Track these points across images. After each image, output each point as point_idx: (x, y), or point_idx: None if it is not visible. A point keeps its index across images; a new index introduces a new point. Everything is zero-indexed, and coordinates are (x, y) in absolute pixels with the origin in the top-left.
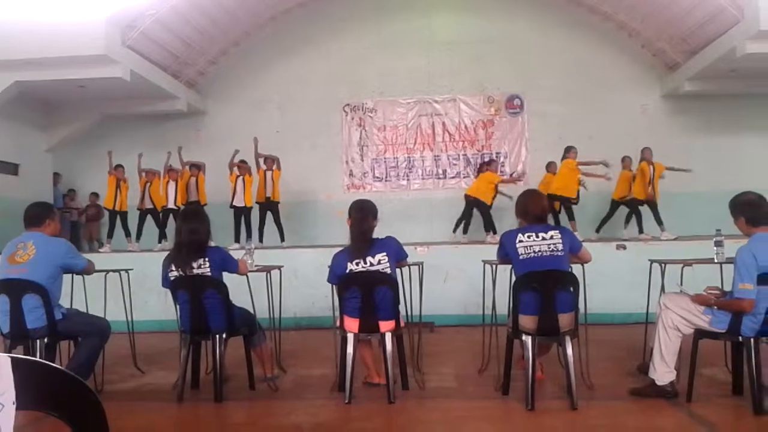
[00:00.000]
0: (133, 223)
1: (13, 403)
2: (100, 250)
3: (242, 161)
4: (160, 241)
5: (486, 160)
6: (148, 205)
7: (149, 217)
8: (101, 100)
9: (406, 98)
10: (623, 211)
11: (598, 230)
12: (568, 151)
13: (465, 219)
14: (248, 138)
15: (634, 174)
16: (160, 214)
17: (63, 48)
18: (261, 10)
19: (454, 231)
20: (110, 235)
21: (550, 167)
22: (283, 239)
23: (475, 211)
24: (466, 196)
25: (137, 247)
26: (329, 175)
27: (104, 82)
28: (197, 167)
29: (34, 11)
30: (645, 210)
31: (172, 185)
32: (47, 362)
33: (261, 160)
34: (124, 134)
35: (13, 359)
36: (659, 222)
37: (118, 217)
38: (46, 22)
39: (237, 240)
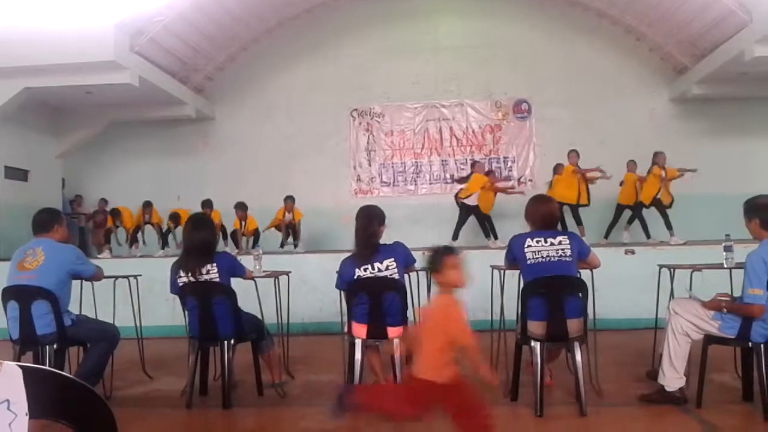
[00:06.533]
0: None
1: (26, 414)
2: (139, 255)
3: (239, 204)
4: (162, 248)
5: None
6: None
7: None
8: (110, 106)
9: (413, 103)
10: (628, 214)
11: (606, 236)
12: (569, 154)
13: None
14: (256, 143)
15: (640, 178)
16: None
17: (71, 54)
18: (268, 15)
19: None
20: (135, 240)
21: (557, 169)
22: (295, 245)
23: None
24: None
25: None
26: (337, 180)
27: (113, 88)
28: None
29: (42, 18)
30: (652, 214)
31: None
32: (56, 370)
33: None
34: (133, 140)
35: (23, 368)
36: (669, 227)
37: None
38: (55, 28)
39: (237, 246)
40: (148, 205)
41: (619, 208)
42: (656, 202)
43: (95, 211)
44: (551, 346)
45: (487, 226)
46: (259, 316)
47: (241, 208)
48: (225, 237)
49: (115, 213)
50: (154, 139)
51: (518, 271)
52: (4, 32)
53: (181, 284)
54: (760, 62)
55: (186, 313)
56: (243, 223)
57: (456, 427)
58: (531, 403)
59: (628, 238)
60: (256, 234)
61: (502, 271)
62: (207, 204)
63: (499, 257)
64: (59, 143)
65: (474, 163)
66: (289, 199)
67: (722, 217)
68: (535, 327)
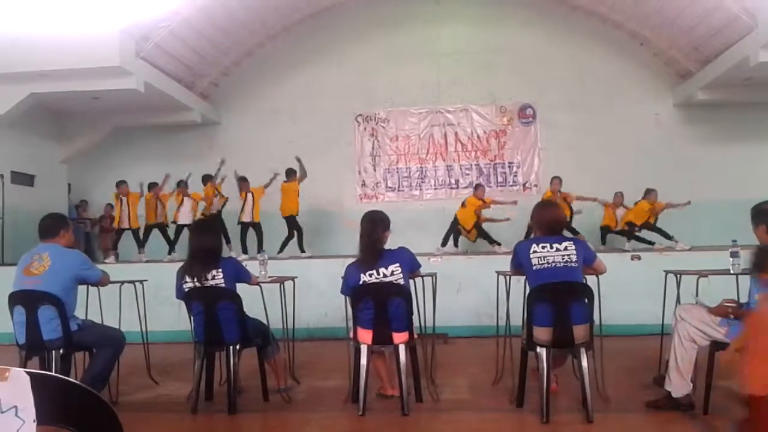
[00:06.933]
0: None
1: (34, 421)
2: (144, 260)
3: (242, 177)
4: (169, 253)
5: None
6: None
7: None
8: (116, 111)
9: (418, 108)
10: (614, 236)
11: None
12: (551, 181)
13: (452, 233)
14: (261, 148)
15: (620, 206)
16: (170, 229)
17: (77, 60)
18: (273, 21)
19: (443, 245)
20: (142, 245)
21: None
22: (302, 249)
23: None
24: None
25: (144, 258)
26: (342, 185)
27: (118, 93)
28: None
29: (48, 23)
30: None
31: (187, 201)
32: (63, 377)
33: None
34: (139, 145)
35: (31, 375)
36: (668, 237)
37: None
38: (61, 34)
39: (245, 251)
40: (153, 186)
41: (604, 230)
42: (646, 225)
43: (101, 216)
44: (557, 352)
45: (489, 235)
46: (265, 322)
47: (243, 180)
48: (228, 240)
49: (121, 182)
50: (160, 145)
51: (524, 277)
52: (10, 38)
53: (186, 289)
54: (764, 67)
55: (191, 318)
56: (249, 195)
57: None
58: (537, 409)
59: (630, 248)
60: (260, 235)
61: (507, 277)
62: (208, 178)
63: (505, 263)
64: (65, 148)
65: (477, 186)
66: (292, 172)
67: (728, 223)
68: (541, 333)
